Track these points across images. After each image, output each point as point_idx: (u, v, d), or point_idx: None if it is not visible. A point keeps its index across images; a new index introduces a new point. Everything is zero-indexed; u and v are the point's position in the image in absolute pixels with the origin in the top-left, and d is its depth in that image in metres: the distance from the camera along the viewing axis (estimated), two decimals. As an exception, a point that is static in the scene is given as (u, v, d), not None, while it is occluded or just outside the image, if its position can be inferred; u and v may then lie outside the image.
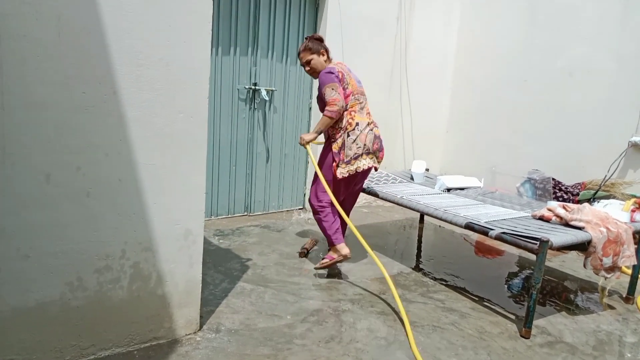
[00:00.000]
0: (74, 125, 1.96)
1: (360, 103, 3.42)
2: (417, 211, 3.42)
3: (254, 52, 4.44)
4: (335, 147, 3.32)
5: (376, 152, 3.45)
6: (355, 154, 3.31)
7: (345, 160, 3.29)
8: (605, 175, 4.25)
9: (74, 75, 1.93)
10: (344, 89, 3.31)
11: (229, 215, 4.60)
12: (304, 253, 3.70)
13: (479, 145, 5.55)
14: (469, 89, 5.69)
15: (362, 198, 5.35)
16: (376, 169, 3.56)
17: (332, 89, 3.24)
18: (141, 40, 2.05)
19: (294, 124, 4.87)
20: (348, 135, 3.30)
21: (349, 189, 3.52)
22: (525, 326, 2.68)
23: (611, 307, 3.18)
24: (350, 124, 3.31)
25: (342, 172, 3.29)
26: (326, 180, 3.31)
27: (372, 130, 3.41)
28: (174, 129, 2.19)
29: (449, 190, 3.96)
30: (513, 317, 2.93)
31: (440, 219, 3.17)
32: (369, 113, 3.48)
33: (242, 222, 4.47)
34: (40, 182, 1.93)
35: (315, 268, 3.42)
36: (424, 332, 2.66)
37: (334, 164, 3.32)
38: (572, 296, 3.35)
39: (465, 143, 5.76)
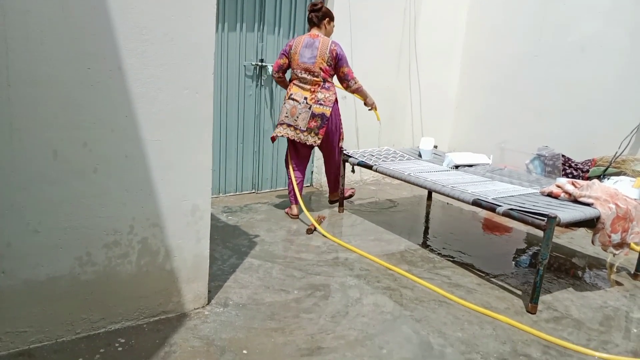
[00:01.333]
0: (80, 102, 1.97)
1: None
2: (425, 188, 3.41)
3: (260, 27, 4.40)
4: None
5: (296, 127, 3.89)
6: (281, 120, 3.94)
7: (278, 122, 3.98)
8: (616, 152, 4.20)
9: (78, 51, 1.92)
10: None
11: (237, 193, 4.62)
12: (311, 230, 3.72)
13: (488, 122, 5.49)
14: (478, 65, 5.61)
15: (370, 175, 5.35)
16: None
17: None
18: (145, 15, 2.03)
19: (301, 101, 4.84)
20: (284, 102, 3.96)
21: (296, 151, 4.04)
22: (531, 302, 2.69)
23: (619, 284, 3.18)
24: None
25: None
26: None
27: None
28: (180, 105, 2.19)
29: (457, 167, 3.94)
30: (520, 292, 2.94)
31: (448, 195, 3.16)
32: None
33: (250, 200, 4.49)
34: (48, 158, 1.94)
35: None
36: (429, 307, 2.67)
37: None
38: (579, 272, 3.35)
39: (475, 120, 5.70)
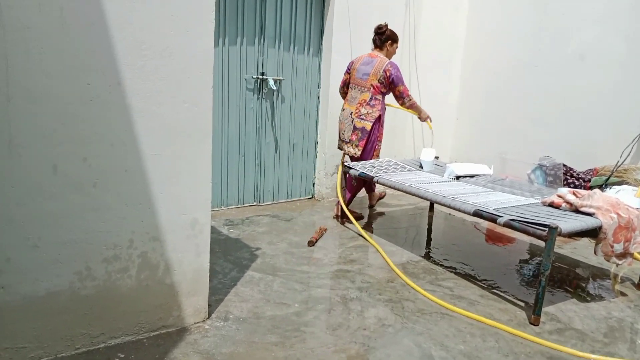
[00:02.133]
0: (79, 116, 1.98)
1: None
2: (426, 199, 3.41)
3: (261, 41, 4.43)
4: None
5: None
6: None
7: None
8: (618, 161, 4.19)
9: (77, 66, 1.93)
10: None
11: (239, 205, 4.62)
12: (313, 242, 3.71)
13: (489, 132, 5.50)
14: (478, 75, 5.63)
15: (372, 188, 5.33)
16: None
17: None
18: (144, 30, 2.05)
19: (302, 114, 4.86)
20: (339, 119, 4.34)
21: None
22: (534, 313, 2.67)
23: (623, 294, 3.15)
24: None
25: None
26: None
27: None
28: (179, 118, 2.20)
29: (458, 177, 3.93)
30: (522, 304, 2.92)
31: (449, 206, 3.15)
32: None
33: (252, 212, 4.49)
34: (48, 173, 1.95)
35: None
36: (432, 320, 2.65)
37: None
38: (583, 283, 3.32)
39: (475, 130, 5.70)
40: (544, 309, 2.79)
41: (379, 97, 4.18)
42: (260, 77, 4.47)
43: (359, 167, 4.07)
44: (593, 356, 2.36)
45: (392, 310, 2.74)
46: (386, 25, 4.24)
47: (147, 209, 2.20)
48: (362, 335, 2.46)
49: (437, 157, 4.50)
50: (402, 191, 3.58)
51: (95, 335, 2.18)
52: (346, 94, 4.36)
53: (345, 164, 4.13)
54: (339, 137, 4.37)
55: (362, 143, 4.16)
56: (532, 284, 3.23)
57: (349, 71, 4.28)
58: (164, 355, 2.18)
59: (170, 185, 2.24)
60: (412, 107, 4.29)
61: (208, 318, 2.51)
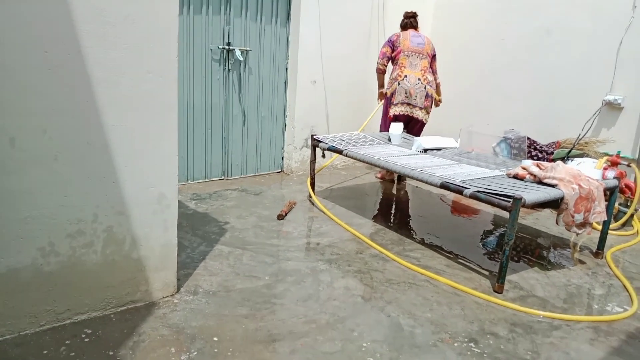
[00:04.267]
0: (37, 87, 1.89)
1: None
2: (394, 172, 3.43)
3: (227, 10, 4.31)
4: (387, 93, 4.62)
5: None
6: (401, 101, 4.54)
7: (394, 103, 4.55)
8: (580, 134, 4.31)
9: (34, 34, 1.84)
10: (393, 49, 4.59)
11: (206, 180, 4.56)
12: (282, 216, 3.70)
13: (456, 106, 5.55)
14: (446, 49, 5.63)
15: (341, 160, 5.35)
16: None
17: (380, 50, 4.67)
18: (104, -4, 1.96)
19: (270, 86, 4.79)
20: (398, 84, 4.51)
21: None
22: (498, 281, 2.75)
23: (582, 262, 3.27)
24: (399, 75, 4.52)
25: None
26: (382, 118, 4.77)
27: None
28: (143, 89, 2.13)
29: (425, 150, 3.97)
30: (487, 273, 3.00)
31: (417, 179, 3.18)
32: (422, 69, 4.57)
33: (220, 186, 4.44)
34: (5, 147, 1.87)
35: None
36: (399, 289, 2.70)
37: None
38: (544, 252, 3.44)
39: (443, 104, 5.73)
40: (508, 278, 2.88)
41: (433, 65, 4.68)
42: (227, 47, 4.37)
43: (329, 141, 4.05)
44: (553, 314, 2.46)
45: (361, 281, 2.78)
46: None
47: (112, 183, 2.14)
48: (331, 306, 2.49)
49: (405, 131, 4.52)
50: (372, 164, 3.59)
51: (61, 311, 2.13)
52: (385, 67, 4.67)
53: (315, 137, 4.11)
54: (403, 102, 4.53)
55: (430, 109, 4.63)
56: (496, 254, 3.33)
57: (392, 44, 4.58)
58: (132, 330, 2.16)
59: (135, 159, 2.18)
60: (439, 86, 4.78)
61: (177, 292, 2.49)
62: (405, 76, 4.51)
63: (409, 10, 4.73)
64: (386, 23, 5.42)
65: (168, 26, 2.14)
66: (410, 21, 4.69)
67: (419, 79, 4.52)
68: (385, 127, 4.66)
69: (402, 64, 4.54)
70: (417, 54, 4.56)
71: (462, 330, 2.35)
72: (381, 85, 4.80)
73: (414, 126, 4.67)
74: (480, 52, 5.28)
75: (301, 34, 4.71)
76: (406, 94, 4.51)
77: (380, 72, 4.71)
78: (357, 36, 5.22)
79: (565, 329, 2.43)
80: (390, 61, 4.65)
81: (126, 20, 2.03)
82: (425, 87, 4.53)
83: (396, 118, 4.57)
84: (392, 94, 4.55)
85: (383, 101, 4.75)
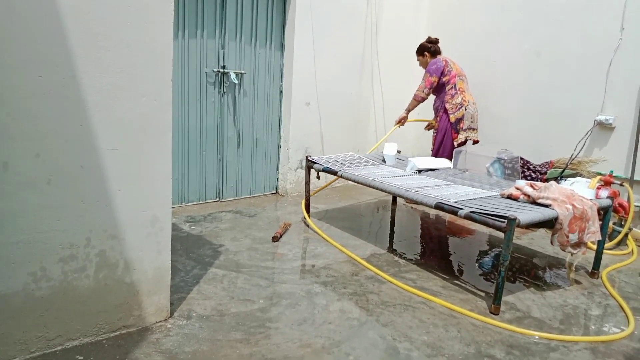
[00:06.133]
0: (31, 111, 1.89)
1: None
2: (389, 193, 3.43)
3: (222, 34, 4.36)
4: (452, 119, 4.61)
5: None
6: (468, 127, 4.65)
7: (463, 129, 4.61)
8: (572, 154, 4.34)
9: (29, 59, 1.85)
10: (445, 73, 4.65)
11: (200, 202, 4.55)
12: (277, 238, 3.69)
13: (450, 127, 5.58)
14: (439, 71, 5.70)
15: (337, 181, 5.35)
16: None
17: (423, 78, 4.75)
18: (100, 22, 1.98)
19: (264, 108, 4.82)
20: (465, 109, 4.60)
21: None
22: (494, 303, 2.73)
23: (578, 282, 3.26)
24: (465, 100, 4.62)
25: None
26: (442, 145, 4.71)
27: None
28: (137, 113, 2.13)
29: (420, 171, 3.98)
30: (483, 294, 2.98)
31: (411, 199, 3.18)
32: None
33: (214, 208, 4.43)
34: (-3, 170, 1.86)
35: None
36: (395, 312, 2.68)
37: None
38: (540, 272, 3.43)
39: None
40: (504, 299, 2.86)
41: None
42: (221, 70, 4.40)
43: (323, 162, 4.06)
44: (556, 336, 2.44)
45: (356, 304, 2.75)
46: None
47: (105, 206, 2.13)
48: (327, 329, 2.46)
49: (399, 152, 4.54)
50: (366, 185, 3.59)
51: (52, 337, 2.10)
52: (428, 95, 4.75)
53: (309, 158, 4.12)
54: (469, 127, 4.65)
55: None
56: (492, 275, 3.31)
57: (441, 72, 4.63)
58: (125, 355, 2.13)
59: (128, 182, 2.17)
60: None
61: (170, 317, 2.46)
62: (468, 102, 4.63)
63: (431, 37, 4.88)
64: (379, 45, 5.49)
65: (163, 50, 2.16)
66: (438, 47, 4.84)
67: (474, 103, 4.70)
68: (451, 153, 4.54)
69: (460, 88, 4.64)
70: (465, 77, 4.73)
71: (458, 353, 2.33)
72: (410, 110, 4.86)
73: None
74: (471, 73, 5.31)
75: (295, 57, 4.75)
76: (472, 119, 4.64)
77: (420, 100, 4.76)
78: (350, 58, 5.27)
79: (562, 350, 2.41)
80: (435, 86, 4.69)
81: (121, 45, 2.05)
82: (477, 110, 4.72)
83: (459, 144, 4.64)
84: (459, 119, 4.60)
85: (439, 127, 4.74)
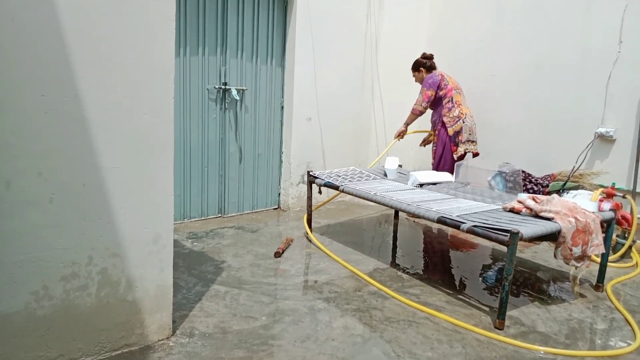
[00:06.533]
0: (34, 130, 1.90)
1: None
2: (391, 207, 3.43)
3: (223, 51, 4.39)
4: (451, 132, 4.63)
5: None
6: (466, 139, 4.66)
7: (462, 141, 4.62)
8: (574, 167, 4.33)
9: (32, 78, 1.87)
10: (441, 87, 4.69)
11: (202, 218, 4.55)
12: (279, 253, 3.67)
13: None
14: (439, 85, 5.73)
15: (338, 195, 5.35)
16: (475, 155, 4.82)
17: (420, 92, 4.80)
18: (102, 41, 2.00)
19: (266, 123, 4.84)
20: (463, 122, 4.62)
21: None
22: (498, 318, 2.71)
23: (582, 296, 3.24)
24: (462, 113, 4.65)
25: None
26: (442, 159, 4.71)
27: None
28: (139, 131, 2.14)
29: (421, 185, 3.98)
30: (487, 309, 2.96)
31: (413, 214, 3.18)
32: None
33: (216, 224, 4.42)
34: (0, 189, 1.86)
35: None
36: (399, 328, 2.66)
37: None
38: (544, 286, 3.40)
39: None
40: (508, 313, 2.84)
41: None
42: (223, 87, 4.43)
43: (325, 177, 4.06)
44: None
45: (360, 320, 2.73)
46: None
47: (107, 224, 2.13)
48: (330, 346, 2.44)
49: (400, 166, 4.55)
50: (368, 199, 3.59)
51: (53, 357, 2.08)
52: (426, 109, 4.80)
53: (311, 173, 4.12)
54: (468, 139, 4.67)
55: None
56: (496, 289, 3.29)
57: (437, 86, 4.69)
58: (127, 375, 2.11)
59: (130, 199, 2.17)
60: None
61: (172, 335, 2.44)
62: (466, 114, 4.66)
63: (426, 52, 4.96)
64: (379, 59, 5.53)
65: (165, 69, 2.17)
66: (433, 62, 4.92)
67: (471, 116, 4.74)
68: (451, 166, 4.56)
69: (457, 101, 4.68)
70: (461, 91, 4.78)
71: (464, 369, 2.30)
72: (409, 123, 4.92)
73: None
74: (471, 86, 5.34)
75: (296, 73, 4.78)
76: (470, 131, 4.66)
77: (418, 114, 4.81)
78: (350, 74, 5.31)
79: (568, 366, 2.38)
80: (432, 99, 4.75)
81: (123, 64, 2.06)
82: (475, 123, 4.75)
83: (459, 156, 4.66)
84: (458, 132, 4.62)
85: (438, 141, 4.76)
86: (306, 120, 4.99)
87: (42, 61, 1.88)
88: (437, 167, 4.78)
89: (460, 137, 4.63)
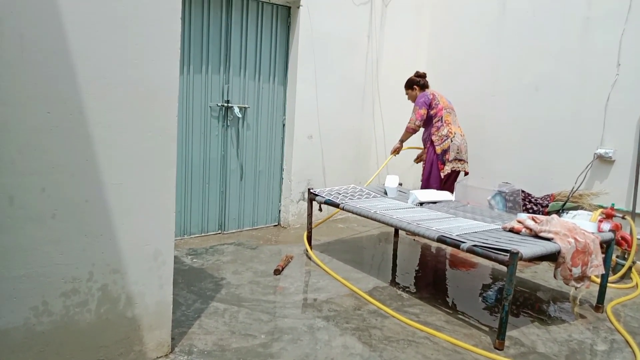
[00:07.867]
0: (38, 146, 1.92)
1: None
2: (391, 225, 3.44)
3: (226, 69, 4.44)
4: (439, 150, 4.66)
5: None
6: (453, 157, 4.66)
7: (449, 160, 4.64)
8: (573, 187, 4.35)
9: (38, 95, 1.89)
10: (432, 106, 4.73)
11: (202, 234, 4.55)
12: (279, 271, 3.67)
13: (451, 159, 5.62)
14: (439, 104, 5.78)
15: (338, 213, 5.36)
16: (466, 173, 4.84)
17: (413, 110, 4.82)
18: (107, 59, 2.03)
19: (267, 141, 4.87)
20: (451, 141, 4.64)
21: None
22: (498, 338, 2.70)
23: (582, 316, 3.23)
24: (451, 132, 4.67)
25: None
26: (431, 177, 4.72)
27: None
28: (142, 148, 2.17)
29: (421, 204, 4.00)
30: (487, 329, 2.95)
31: (414, 232, 3.19)
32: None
33: (216, 241, 4.42)
34: (4, 205, 1.88)
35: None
36: (399, 347, 2.65)
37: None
38: (544, 306, 3.40)
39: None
40: (508, 333, 2.83)
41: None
42: (225, 104, 4.47)
43: (325, 194, 4.08)
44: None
45: (359, 339, 2.72)
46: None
47: (108, 240, 2.14)
48: (329, 365, 2.43)
49: (400, 184, 4.56)
50: (368, 217, 3.60)
51: (52, 373, 2.08)
52: (419, 127, 4.82)
53: (311, 190, 4.14)
54: (456, 158, 4.69)
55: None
56: (496, 309, 3.28)
57: (428, 105, 4.73)
58: (125, 392, 2.10)
59: (132, 216, 2.19)
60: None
61: (171, 352, 2.43)
62: (455, 133, 4.69)
63: (419, 71, 5.01)
64: (380, 79, 5.58)
65: (169, 87, 2.20)
66: (426, 81, 4.97)
67: (462, 135, 4.75)
68: (439, 184, 4.68)
69: (447, 120, 4.71)
70: (453, 111, 4.81)
71: (463, 390, 2.29)
72: (404, 140, 4.99)
73: (454, 178, 4.77)
74: (471, 107, 5.39)
75: (298, 91, 4.83)
76: (458, 150, 4.67)
77: (412, 132, 4.85)
78: (351, 93, 5.35)
79: (568, 388, 2.37)
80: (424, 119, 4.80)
81: (128, 82, 2.09)
82: (466, 142, 4.78)
83: (446, 175, 4.68)
84: (445, 151, 4.65)
85: (426, 158, 4.82)
86: (307, 138, 5.02)
87: (48, 79, 1.91)
88: (425, 184, 4.83)
89: (447, 156, 4.65)
